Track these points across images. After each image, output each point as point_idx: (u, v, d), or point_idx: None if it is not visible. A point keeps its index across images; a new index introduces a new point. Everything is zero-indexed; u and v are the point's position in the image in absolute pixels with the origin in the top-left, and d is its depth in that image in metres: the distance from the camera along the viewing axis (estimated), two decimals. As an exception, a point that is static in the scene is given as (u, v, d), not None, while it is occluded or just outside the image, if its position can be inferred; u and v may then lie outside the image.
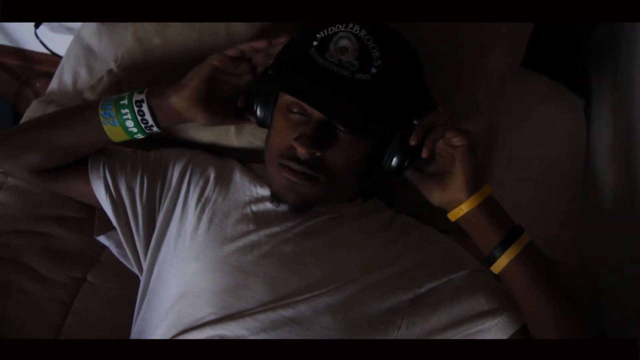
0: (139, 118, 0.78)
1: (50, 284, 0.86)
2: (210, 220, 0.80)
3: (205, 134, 0.94)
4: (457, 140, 0.69)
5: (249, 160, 0.92)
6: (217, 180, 0.85)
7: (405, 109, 0.74)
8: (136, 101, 0.78)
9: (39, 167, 0.83)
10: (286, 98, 0.74)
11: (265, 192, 0.82)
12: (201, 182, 0.84)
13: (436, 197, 0.73)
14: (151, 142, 0.91)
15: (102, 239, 0.89)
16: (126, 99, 0.78)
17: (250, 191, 0.83)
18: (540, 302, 0.68)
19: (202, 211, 0.81)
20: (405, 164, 0.75)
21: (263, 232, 0.77)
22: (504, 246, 0.69)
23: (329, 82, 0.70)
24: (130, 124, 0.78)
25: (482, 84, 0.92)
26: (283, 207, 0.79)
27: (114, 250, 0.89)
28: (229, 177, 0.86)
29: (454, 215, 0.72)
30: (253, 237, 0.77)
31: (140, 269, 0.85)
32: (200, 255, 0.77)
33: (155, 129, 0.80)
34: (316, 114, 0.71)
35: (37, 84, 1.81)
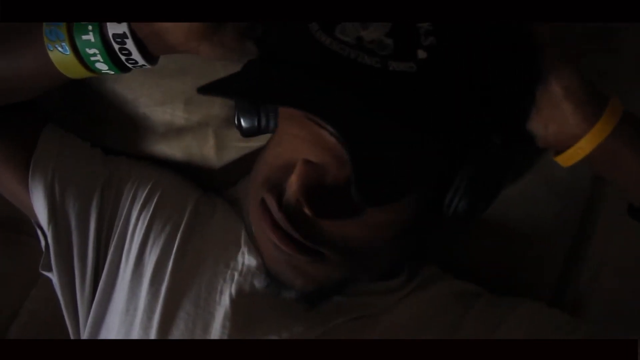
0: (117, 47, 0.44)
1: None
2: (169, 307, 0.51)
3: (172, 149, 0.63)
4: None
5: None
6: (188, 234, 0.56)
7: (482, 118, 0.42)
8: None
9: None
10: None
11: (254, 261, 0.53)
12: (167, 232, 0.56)
13: (539, 137, 0.47)
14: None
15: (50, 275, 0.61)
16: None
17: (234, 262, 0.53)
18: None
19: (159, 284, 0.53)
20: (484, 206, 0.46)
21: None
22: None
23: (339, 78, 0.38)
24: (91, 50, 0.44)
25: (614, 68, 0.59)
26: (286, 294, 0.50)
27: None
28: (206, 231, 0.56)
29: (570, 159, 0.46)
30: None
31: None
32: None
33: (136, 56, 0.44)
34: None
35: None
